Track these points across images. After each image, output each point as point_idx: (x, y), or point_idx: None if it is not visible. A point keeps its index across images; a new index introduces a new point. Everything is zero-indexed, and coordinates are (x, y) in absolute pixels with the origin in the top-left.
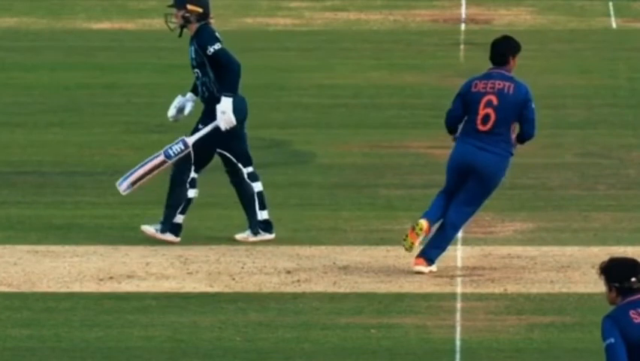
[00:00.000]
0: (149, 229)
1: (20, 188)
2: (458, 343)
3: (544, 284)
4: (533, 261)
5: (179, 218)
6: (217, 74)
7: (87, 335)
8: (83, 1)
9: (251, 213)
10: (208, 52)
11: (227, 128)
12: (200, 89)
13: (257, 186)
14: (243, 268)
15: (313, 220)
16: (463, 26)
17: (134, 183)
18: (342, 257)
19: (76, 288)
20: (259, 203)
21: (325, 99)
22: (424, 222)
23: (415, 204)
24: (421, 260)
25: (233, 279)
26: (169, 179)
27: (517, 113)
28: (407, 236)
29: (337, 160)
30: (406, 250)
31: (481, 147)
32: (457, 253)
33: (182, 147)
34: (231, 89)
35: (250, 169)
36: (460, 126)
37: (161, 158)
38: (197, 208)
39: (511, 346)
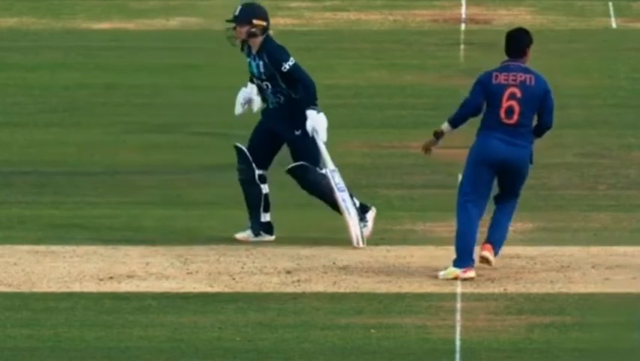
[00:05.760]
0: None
1: (20, 188)
2: (458, 343)
3: (544, 284)
4: (533, 261)
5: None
6: (290, 85)
7: (87, 335)
8: (83, 1)
9: (255, 214)
10: (283, 69)
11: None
12: (272, 98)
13: (264, 188)
14: (243, 268)
15: (313, 220)
16: (463, 26)
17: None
18: (342, 257)
19: (76, 288)
20: (264, 205)
21: (325, 99)
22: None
23: (415, 204)
24: (490, 248)
25: (234, 279)
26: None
27: (538, 104)
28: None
29: (337, 160)
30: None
31: (509, 141)
32: None
33: (335, 175)
34: (314, 102)
35: (261, 171)
36: (481, 121)
37: (340, 195)
38: (197, 208)
39: (511, 346)
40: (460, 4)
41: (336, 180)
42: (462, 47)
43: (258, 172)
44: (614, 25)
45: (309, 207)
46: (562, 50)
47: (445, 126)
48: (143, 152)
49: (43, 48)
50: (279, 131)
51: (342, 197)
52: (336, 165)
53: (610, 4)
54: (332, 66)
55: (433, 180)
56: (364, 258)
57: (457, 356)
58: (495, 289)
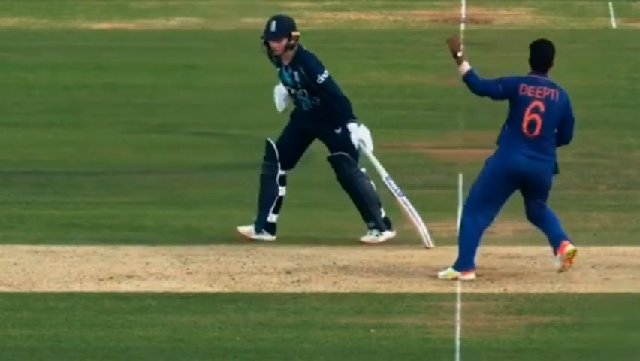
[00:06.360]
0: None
1: (20, 188)
2: (458, 343)
3: (544, 284)
4: (533, 261)
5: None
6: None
7: (87, 335)
8: (83, 1)
9: (263, 212)
10: (318, 81)
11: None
12: (308, 101)
13: (282, 191)
14: (243, 268)
15: (313, 220)
16: (463, 26)
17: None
18: (342, 257)
19: (76, 288)
20: (275, 206)
21: None
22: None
23: (415, 204)
24: (568, 242)
25: (233, 279)
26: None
27: (560, 119)
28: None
29: None
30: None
31: (533, 156)
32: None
33: (391, 182)
34: (351, 114)
35: (284, 172)
36: (502, 131)
37: (400, 199)
38: (197, 208)
39: (511, 346)
40: (460, 4)
41: (394, 186)
42: (462, 47)
43: (280, 173)
44: (614, 25)
45: (309, 207)
46: (562, 50)
47: (465, 67)
48: (143, 152)
49: (43, 48)
50: (316, 130)
51: (404, 200)
52: None
53: (610, 4)
54: (332, 66)
55: (433, 180)
56: (364, 258)
57: (457, 356)
58: (495, 289)
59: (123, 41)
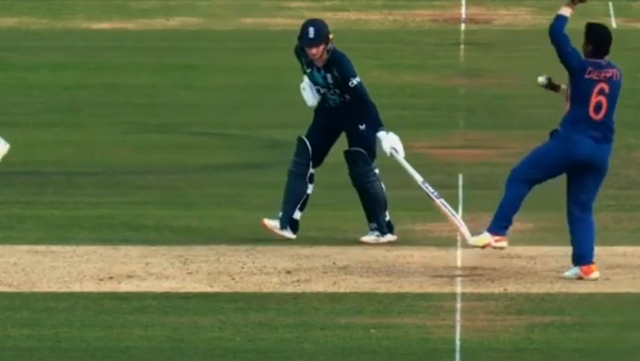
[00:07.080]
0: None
1: (20, 188)
2: (458, 343)
3: (544, 284)
4: (533, 261)
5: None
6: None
7: (87, 335)
8: (83, 1)
9: (289, 209)
10: (350, 84)
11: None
12: (337, 99)
13: (310, 188)
14: (243, 268)
15: (313, 220)
16: (463, 26)
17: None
18: (342, 257)
19: (76, 288)
20: (302, 204)
21: None
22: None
23: (415, 205)
24: (595, 265)
25: (233, 279)
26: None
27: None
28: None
29: (338, 160)
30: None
31: (599, 138)
32: (457, 253)
33: (427, 186)
34: (379, 121)
35: (313, 170)
36: (565, 115)
37: (438, 201)
38: (197, 208)
39: (511, 346)
40: (460, 4)
41: (431, 190)
42: (462, 47)
43: (311, 171)
44: (614, 25)
45: (309, 207)
46: None
47: (567, 11)
48: (143, 152)
49: (43, 48)
50: (341, 125)
51: (442, 203)
52: (337, 164)
53: (610, 4)
54: None
55: (433, 180)
56: (364, 258)
57: (457, 356)
58: (495, 289)
59: (123, 41)
